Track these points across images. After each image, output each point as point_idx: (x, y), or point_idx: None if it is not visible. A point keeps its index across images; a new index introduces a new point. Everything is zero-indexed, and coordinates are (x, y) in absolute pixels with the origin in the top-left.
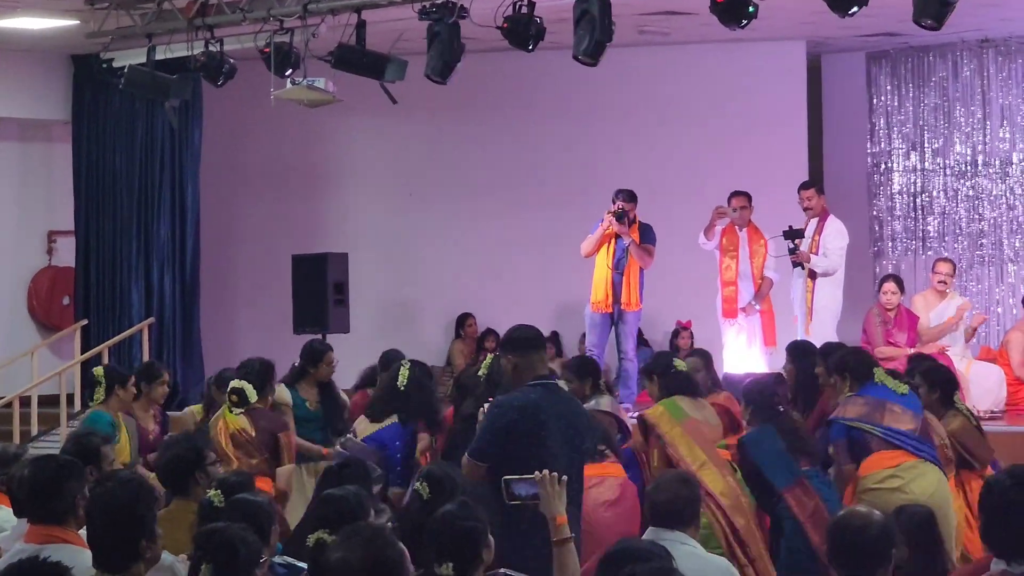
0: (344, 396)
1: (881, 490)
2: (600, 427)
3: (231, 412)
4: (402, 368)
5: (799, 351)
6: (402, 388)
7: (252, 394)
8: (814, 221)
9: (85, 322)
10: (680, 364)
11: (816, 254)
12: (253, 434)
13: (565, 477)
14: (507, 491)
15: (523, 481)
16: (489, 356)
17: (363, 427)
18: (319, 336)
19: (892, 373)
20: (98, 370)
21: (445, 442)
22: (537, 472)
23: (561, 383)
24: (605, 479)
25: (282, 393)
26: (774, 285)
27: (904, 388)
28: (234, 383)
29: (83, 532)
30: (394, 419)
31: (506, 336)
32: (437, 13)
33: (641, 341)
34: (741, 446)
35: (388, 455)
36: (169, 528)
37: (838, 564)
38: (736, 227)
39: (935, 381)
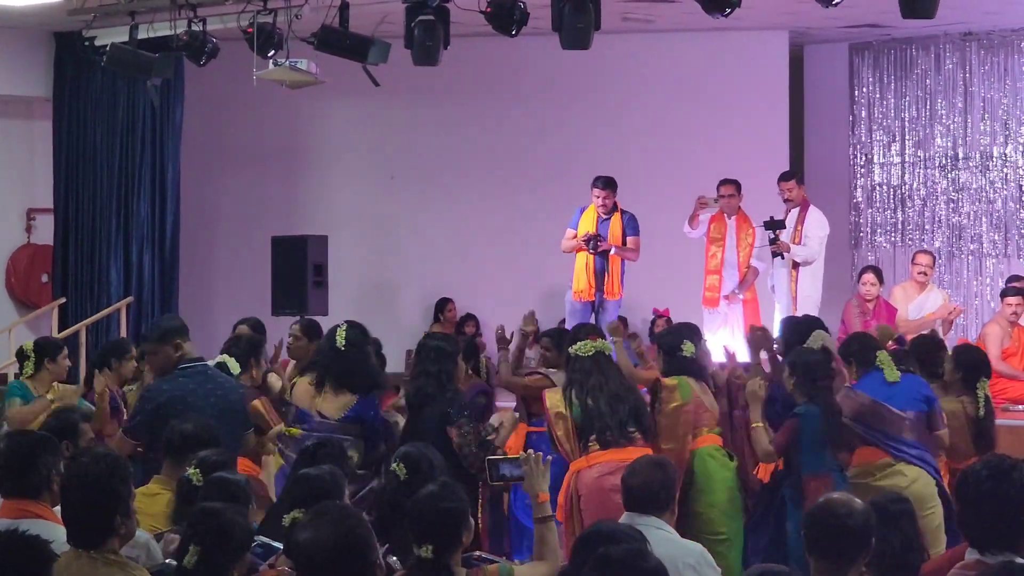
0: (276, 380)
1: (855, 484)
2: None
3: None
4: (339, 329)
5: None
6: (342, 348)
7: (235, 366)
8: (795, 211)
9: (63, 300)
10: (688, 347)
11: (798, 244)
12: None
13: (550, 458)
14: (491, 471)
15: (507, 462)
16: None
17: (317, 400)
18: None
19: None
20: (27, 344)
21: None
22: (522, 452)
23: (211, 364)
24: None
25: (275, 380)
26: (759, 275)
27: (896, 375)
28: (218, 358)
29: (58, 509)
30: (353, 398)
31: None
32: None
33: None
34: (794, 416)
35: (370, 425)
36: (146, 505)
37: (817, 550)
38: (725, 215)
39: (961, 362)
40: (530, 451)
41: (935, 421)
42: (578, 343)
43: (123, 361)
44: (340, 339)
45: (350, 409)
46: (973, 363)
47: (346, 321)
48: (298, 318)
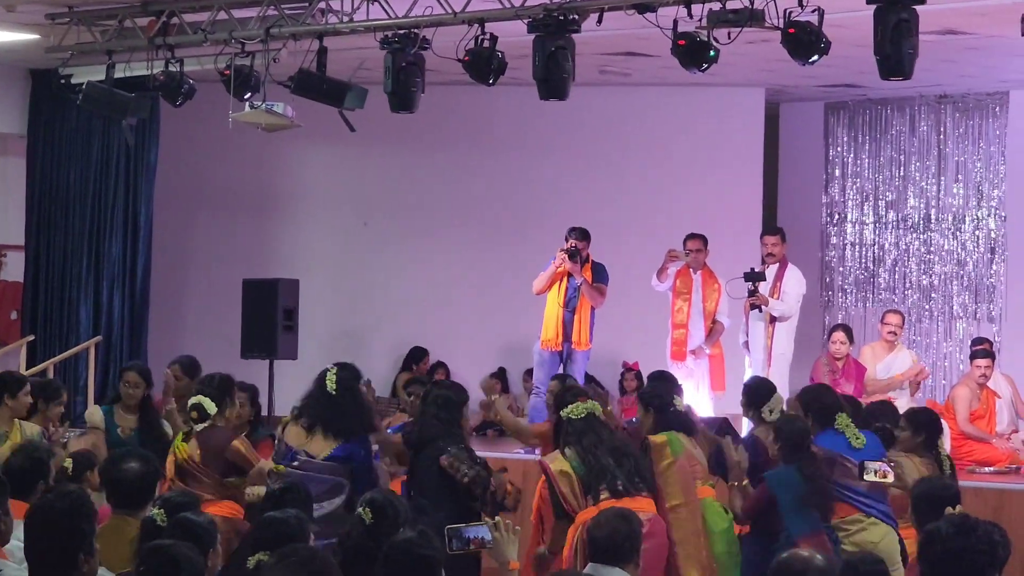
0: (166, 426)
1: None
2: None
3: (183, 440)
4: (329, 373)
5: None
6: (333, 393)
7: (211, 407)
8: (774, 267)
9: (32, 338)
10: (678, 403)
11: (777, 300)
12: (198, 459)
13: (519, 528)
14: (452, 539)
15: (471, 527)
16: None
17: (306, 440)
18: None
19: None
20: None
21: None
22: (488, 519)
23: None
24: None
25: (93, 414)
26: (725, 330)
27: (861, 441)
28: (192, 399)
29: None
30: (337, 442)
31: None
32: (399, 43)
33: (588, 380)
34: (764, 480)
35: (361, 466)
36: (109, 544)
37: None
38: (691, 269)
39: (921, 424)
40: (498, 517)
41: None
42: (569, 406)
43: (50, 404)
44: (331, 383)
45: (337, 448)
46: (931, 423)
47: (336, 364)
48: (177, 357)
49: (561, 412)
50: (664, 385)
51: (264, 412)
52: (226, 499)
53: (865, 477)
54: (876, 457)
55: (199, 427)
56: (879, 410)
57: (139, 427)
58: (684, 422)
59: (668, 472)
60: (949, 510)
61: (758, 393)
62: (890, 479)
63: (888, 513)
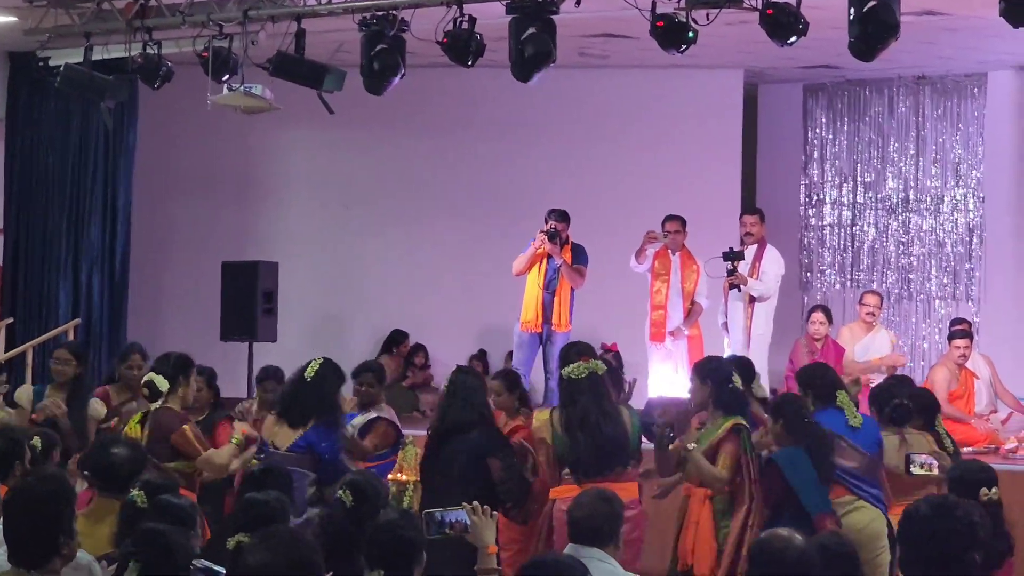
0: (97, 407)
1: None
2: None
3: (137, 422)
4: (312, 362)
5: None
6: (308, 379)
7: (163, 384)
8: (752, 248)
9: (11, 320)
10: (737, 380)
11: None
12: (144, 443)
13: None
14: (430, 524)
15: (449, 511)
16: (452, 372)
17: (275, 430)
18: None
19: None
20: None
21: (424, 453)
22: (465, 503)
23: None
24: None
25: (21, 393)
26: (704, 311)
27: (858, 420)
28: (145, 376)
29: None
30: (311, 423)
31: None
32: (377, 25)
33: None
34: (771, 463)
35: (323, 459)
36: (92, 526)
37: None
38: (669, 251)
39: (920, 406)
40: (475, 503)
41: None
42: (570, 365)
43: None
44: (310, 372)
45: (300, 438)
46: (932, 404)
47: (324, 358)
48: (68, 342)
49: (562, 371)
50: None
51: (244, 394)
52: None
53: (912, 471)
54: (872, 436)
55: (153, 405)
56: (896, 385)
57: (67, 406)
58: (742, 402)
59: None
60: (985, 491)
61: (749, 370)
62: (935, 472)
63: (879, 497)
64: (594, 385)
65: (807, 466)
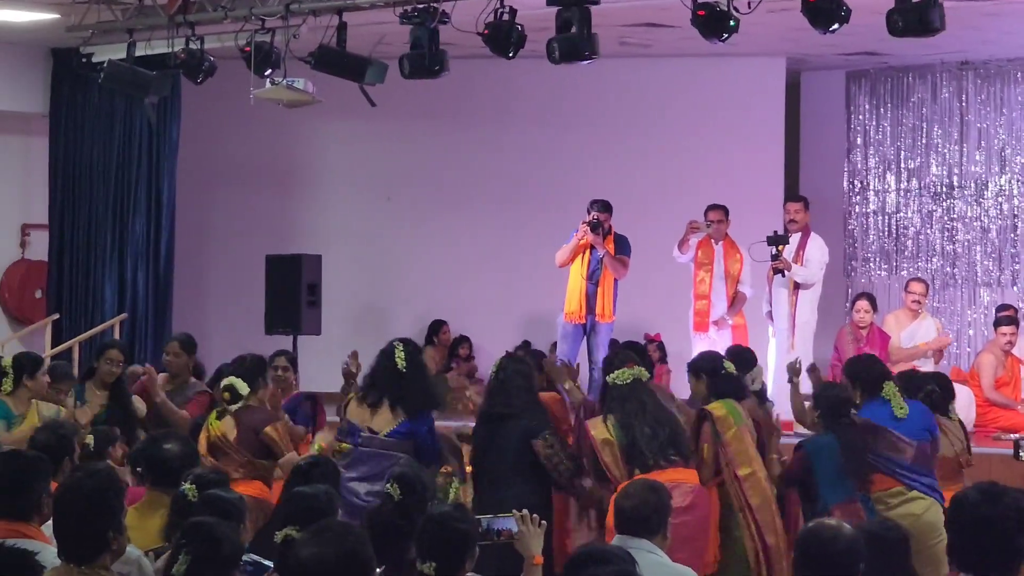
0: (140, 403)
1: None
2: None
3: (217, 418)
4: (396, 350)
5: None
6: (404, 370)
7: (243, 387)
8: (796, 236)
9: (57, 316)
10: (729, 366)
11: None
12: (233, 438)
13: (545, 523)
14: (478, 529)
15: (498, 518)
16: (500, 358)
17: (368, 415)
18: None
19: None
20: (6, 360)
21: (472, 445)
22: (515, 511)
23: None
24: (679, 485)
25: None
26: (747, 300)
27: (904, 411)
28: (225, 380)
29: (47, 528)
30: (402, 418)
31: None
32: (419, 17)
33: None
34: (801, 448)
35: (424, 441)
36: (143, 520)
37: (803, 573)
38: (712, 240)
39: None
40: (524, 511)
41: (935, 448)
42: (615, 372)
43: (35, 377)
44: (400, 360)
45: (400, 424)
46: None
47: (400, 340)
48: (176, 334)
49: (607, 377)
50: (713, 354)
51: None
52: (255, 479)
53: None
54: (920, 425)
55: (234, 407)
56: (929, 376)
57: (109, 404)
58: (736, 387)
59: (735, 441)
60: None
61: (746, 360)
62: None
63: (933, 486)
64: (637, 390)
65: (834, 457)
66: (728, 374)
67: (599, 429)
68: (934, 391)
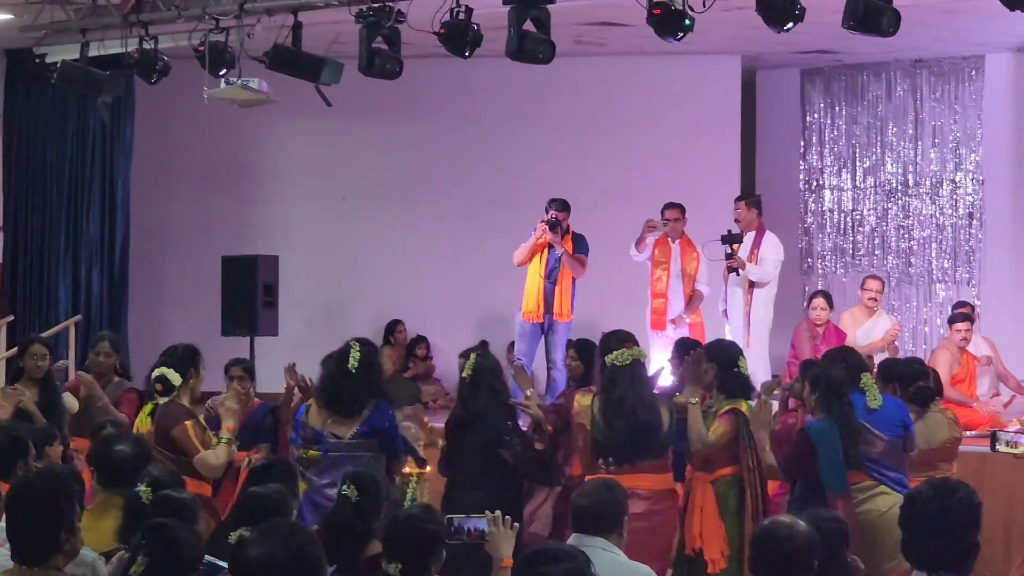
0: (71, 399)
1: None
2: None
3: (148, 415)
4: (352, 350)
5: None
6: (352, 371)
7: (175, 378)
8: (751, 235)
9: (11, 318)
10: (743, 364)
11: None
12: (152, 438)
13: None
14: (448, 528)
15: (470, 519)
16: (472, 356)
17: (329, 421)
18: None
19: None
20: None
21: (446, 444)
22: (487, 512)
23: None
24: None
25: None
26: (704, 299)
27: (878, 402)
28: (156, 371)
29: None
30: (363, 415)
31: None
32: (374, 16)
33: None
34: (803, 432)
35: (388, 435)
36: (92, 522)
37: (759, 572)
38: (668, 239)
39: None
40: (497, 512)
41: (909, 444)
42: (613, 352)
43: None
44: (353, 361)
45: (362, 424)
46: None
47: (357, 340)
48: (106, 334)
49: (605, 358)
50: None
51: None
52: (189, 475)
53: (997, 448)
54: (893, 417)
55: (161, 401)
56: (919, 370)
57: (39, 400)
58: (745, 386)
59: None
60: None
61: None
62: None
63: (901, 481)
64: (636, 372)
65: (836, 443)
66: (740, 373)
67: (581, 408)
68: (925, 387)
